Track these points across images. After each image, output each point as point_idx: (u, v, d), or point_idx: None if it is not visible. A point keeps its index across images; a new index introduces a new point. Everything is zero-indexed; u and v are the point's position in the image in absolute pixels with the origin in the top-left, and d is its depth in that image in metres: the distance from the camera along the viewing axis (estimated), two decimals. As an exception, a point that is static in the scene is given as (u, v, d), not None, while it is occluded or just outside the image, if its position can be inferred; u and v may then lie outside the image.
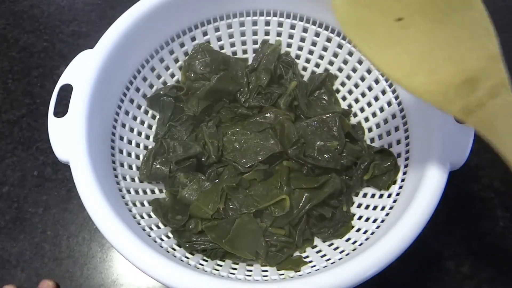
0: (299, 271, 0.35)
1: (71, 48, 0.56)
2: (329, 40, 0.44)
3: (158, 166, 0.40)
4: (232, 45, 0.46)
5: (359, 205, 0.40)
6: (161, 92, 0.43)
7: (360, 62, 0.43)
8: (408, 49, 0.24)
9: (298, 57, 0.47)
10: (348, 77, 0.45)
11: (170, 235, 0.37)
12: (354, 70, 0.44)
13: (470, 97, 0.23)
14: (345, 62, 0.44)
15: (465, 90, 0.23)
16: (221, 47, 0.46)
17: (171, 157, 0.40)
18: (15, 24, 0.59)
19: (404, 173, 0.37)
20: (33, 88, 0.54)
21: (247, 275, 0.34)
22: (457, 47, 0.23)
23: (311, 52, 0.46)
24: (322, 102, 0.45)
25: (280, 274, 0.34)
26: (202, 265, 0.33)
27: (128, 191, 0.37)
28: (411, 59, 0.24)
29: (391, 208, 0.35)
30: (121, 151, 0.39)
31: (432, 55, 0.24)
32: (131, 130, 0.41)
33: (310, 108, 0.43)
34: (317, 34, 0.44)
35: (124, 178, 0.38)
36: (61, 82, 0.35)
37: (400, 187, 0.36)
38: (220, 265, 0.35)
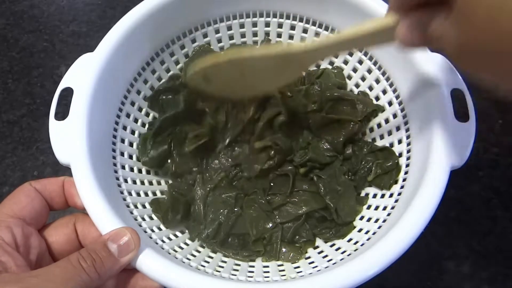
0: (300, 260, 0.36)
1: (71, 48, 0.56)
2: (329, 40, 0.44)
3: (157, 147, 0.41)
4: (233, 46, 0.46)
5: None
6: (161, 88, 0.43)
7: (360, 62, 0.43)
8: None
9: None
10: (349, 77, 0.45)
11: (172, 237, 0.37)
12: (355, 70, 0.44)
13: None
14: (346, 62, 0.44)
15: None
16: (222, 49, 0.46)
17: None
18: (15, 24, 0.58)
19: (406, 173, 0.37)
20: (33, 88, 0.54)
21: (249, 276, 0.34)
22: None
23: (311, 53, 0.46)
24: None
25: (282, 275, 0.34)
26: (204, 266, 0.33)
27: (130, 193, 0.37)
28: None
29: (392, 208, 0.35)
30: (122, 154, 0.39)
31: None
32: (132, 132, 0.41)
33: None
34: (317, 35, 0.44)
35: (126, 180, 0.38)
36: (61, 85, 0.35)
37: (402, 187, 0.36)
38: (222, 266, 0.35)
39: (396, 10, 0.25)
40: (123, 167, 0.38)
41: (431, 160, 0.31)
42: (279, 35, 0.46)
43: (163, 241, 0.35)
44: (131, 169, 0.39)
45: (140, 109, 0.42)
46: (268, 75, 0.34)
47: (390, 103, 0.41)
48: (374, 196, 0.39)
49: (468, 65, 0.21)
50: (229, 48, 0.37)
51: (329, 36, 0.28)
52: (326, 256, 0.36)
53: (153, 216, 0.37)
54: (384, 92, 0.41)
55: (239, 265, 0.36)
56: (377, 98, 0.42)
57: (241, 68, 0.33)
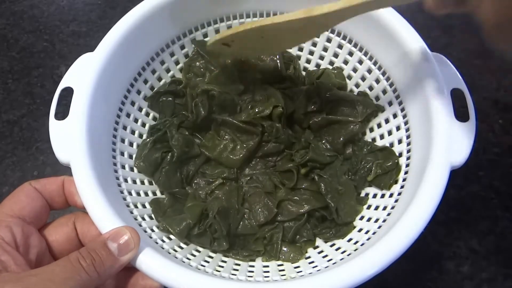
0: (301, 259, 0.36)
1: (71, 48, 0.56)
2: (329, 40, 0.44)
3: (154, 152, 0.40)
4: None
5: (361, 206, 0.40)
6: (161, 90, 0.43)
7: (360, 62, 0.43)
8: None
9: (298, 58, 0.47)
10: (349, 77, 0.45)
11: (172, 236, 0.37)
12: (355, 70, 0.44)
13: None
14: (346, 62, 0.44)
15: None
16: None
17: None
18: (15, 24, 0.59)
19: (406, 173, 0.37)
20: (33, 88, 0.54)
21: (249, 276, 0.34)
22: None
23: (311, 53, 0.46)
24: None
25: (282, 275, 0.34)
26: (204, 266, 0.33)
27: (130, 193, 0.37)
28: None
29: (392, 207, 0.35)
30: (122, 153, 0.39)
31: None
32: (132, 132, 0.41)
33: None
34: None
35: (126, 180, 0.38)
36: (62, 85, 0.35)
37: (402, 187, 0.36)
38: (222, 266, 0.35)
39: None
40: (123, 167, 0.38)
41: (431, 160, 0.31)
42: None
43: (163, 241, 0.35)
44: (131, 169, 0.39)
45: (140, 109, 0.42)
46: (288, 36, 0.35)
47: (390, 103, 0.41)
48: (374, 196, 0.39)
49: (501, 41, 0.21)
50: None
51: None
52: (326, 256, 0.36)
53: (153, 216, 0.37)
54: (384, 92, 0.41)
55: (239, 265, 0.36)
56: (377, 98, 0.42)
57: (261, 32, 0.33)
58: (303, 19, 0.31)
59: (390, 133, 0.41)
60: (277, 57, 0.44)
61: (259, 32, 0.33)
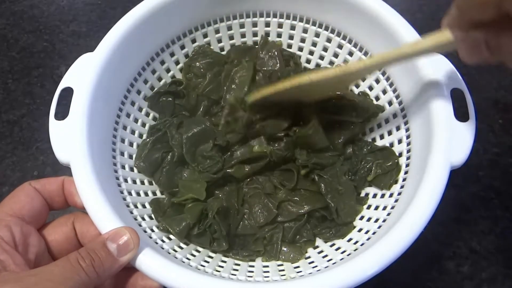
0: (301, 260, 0.36)
1: (71, 48, 0.56)
2: (329, 40, 0.44)
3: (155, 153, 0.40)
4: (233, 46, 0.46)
5: (361, 205, 0.40)
6: (161, 90, 0.43)
7: (360, 62, 0.43)
8: None
9: (298, 58, 0.47)
10: (349, 77, 0.45)
11: (172, 236, 0.37)
12: (355, 70, 0.44)
13: None
14: (346, 62, 0.44)
15: None
16: (222, 49, 0.46)
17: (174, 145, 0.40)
18: (15, 24, 0.59)
19: (406, 173, 0.37)
20: (33, 88, 0.54)
21: (248, 276, 0.34)
22: None
23: (311, 53, 0.46)
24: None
25: (282, 275, 0.34)
26: (204, 266, 0.33)
27: (130, 193, 0.37)
28: None
29: (392, 207, 0.35)
30: (122, 153, 0.39)
31: None
32: (132, 132, 0.41)
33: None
34: (317, 35, 0.44)
35: (126, 180, 0.38)
36: (61, 85, 0.35)
37: (402, 187, 0.36)
38: (222, 266, 0.35)
39: (454, 28, 0.25)
40: (123, 167, 0.38)
41: (431, 160, 0.31)
42: (279, 35, 0.46)
43: (163, 241, 0.35)
44: (131, 169, 0.39)
45: (140, 109, 0.42)
46: (324, 88, 0.38)
47: (390, 103, 0.41)
48: (374, 196, 0.39)
49: None
50: (286, 76, 0.41)
51: (388, 52, 0.31)
52: (326, 256, 0.36)
53: (153, 216, 0.37)
54: (384, 92, 0.41)
55: (239, 265, 0.36)
56: (377, 98, 0.42)
57: (298, 87, 0.36)
58: (339, 75, 0.33)
59: (390, 133, 0.41)
60: (275, 53, 0.43)
61: (297, 87, 0.36)
